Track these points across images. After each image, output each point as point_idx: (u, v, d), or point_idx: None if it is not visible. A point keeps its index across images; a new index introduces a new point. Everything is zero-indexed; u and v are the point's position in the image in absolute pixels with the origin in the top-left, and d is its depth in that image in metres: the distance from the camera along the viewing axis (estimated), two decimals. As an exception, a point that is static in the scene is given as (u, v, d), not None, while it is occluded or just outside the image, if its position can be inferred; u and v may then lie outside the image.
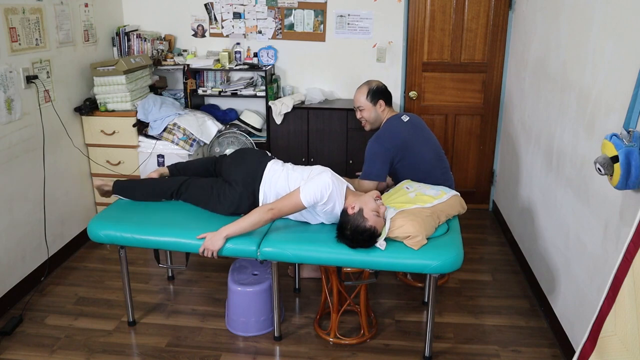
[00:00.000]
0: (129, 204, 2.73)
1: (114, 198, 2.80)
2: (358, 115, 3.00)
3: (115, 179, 2.84)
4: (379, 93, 2.91)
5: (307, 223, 2.59)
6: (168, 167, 2.93)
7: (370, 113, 2.93)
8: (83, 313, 2.88)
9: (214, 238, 2.38)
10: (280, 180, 2.57)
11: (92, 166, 3.72)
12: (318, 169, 2.55)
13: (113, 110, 3.63)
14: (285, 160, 2.75)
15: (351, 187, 2.56)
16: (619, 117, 1.99)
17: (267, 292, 2.67)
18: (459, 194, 2.65)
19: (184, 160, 3.36)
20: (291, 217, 2.58)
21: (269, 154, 2.80)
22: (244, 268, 2.81)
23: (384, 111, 2.92)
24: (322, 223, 2.57)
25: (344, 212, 2.38)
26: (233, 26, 4.09)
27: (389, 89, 3.02)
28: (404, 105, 4.16)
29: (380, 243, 2.33)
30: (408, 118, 2.89)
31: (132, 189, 2.78)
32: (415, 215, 2.39)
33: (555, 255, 2.75)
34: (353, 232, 2.29)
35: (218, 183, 2.67)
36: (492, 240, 3.80)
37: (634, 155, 1.72)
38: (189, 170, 2.89)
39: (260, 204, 2.56)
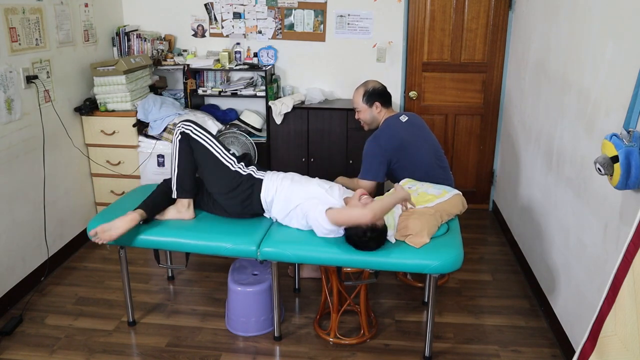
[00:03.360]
0: (129, 204, 2.71)
1: (113, 198, 2.79)
2: (356, 116, 3.01)
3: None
4: (375, 95, 2.91)
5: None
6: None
7: (366, 115, 2.94)
8: (83, 313, 2.88)
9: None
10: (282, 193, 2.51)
11: (92, 166, 3.72)
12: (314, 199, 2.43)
13: (113, 110, 3.63)
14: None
15: (348, 192, 2.54)
16: (619, 117, 1.98)
17: (267, 292, 2.67)
18: (460, 193, 2.65)
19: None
20: (296, 224, 2.53)
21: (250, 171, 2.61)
22: (244, 268, 2.81)
23: (381, 112, 2.92)
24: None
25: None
26: (233, 26, 4.09)
27: (389, 89, 3.02)
28: (404, 105, 4.16)
29: (390, 236, 2.34)
30: (407, 118, 2.89)
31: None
32: (417, 214, 2.40)
33: (555, 255, 2.74)
34: (359, 241, 2.28)
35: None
36: (492, 240, 3.80)
37: (634, 155, 1.72)
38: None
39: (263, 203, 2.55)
